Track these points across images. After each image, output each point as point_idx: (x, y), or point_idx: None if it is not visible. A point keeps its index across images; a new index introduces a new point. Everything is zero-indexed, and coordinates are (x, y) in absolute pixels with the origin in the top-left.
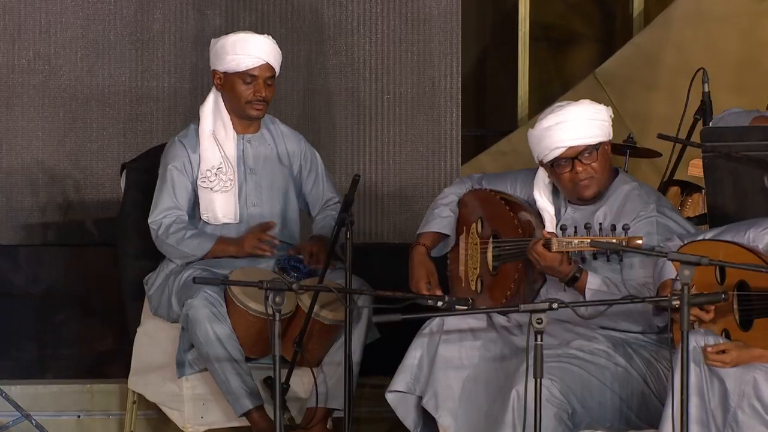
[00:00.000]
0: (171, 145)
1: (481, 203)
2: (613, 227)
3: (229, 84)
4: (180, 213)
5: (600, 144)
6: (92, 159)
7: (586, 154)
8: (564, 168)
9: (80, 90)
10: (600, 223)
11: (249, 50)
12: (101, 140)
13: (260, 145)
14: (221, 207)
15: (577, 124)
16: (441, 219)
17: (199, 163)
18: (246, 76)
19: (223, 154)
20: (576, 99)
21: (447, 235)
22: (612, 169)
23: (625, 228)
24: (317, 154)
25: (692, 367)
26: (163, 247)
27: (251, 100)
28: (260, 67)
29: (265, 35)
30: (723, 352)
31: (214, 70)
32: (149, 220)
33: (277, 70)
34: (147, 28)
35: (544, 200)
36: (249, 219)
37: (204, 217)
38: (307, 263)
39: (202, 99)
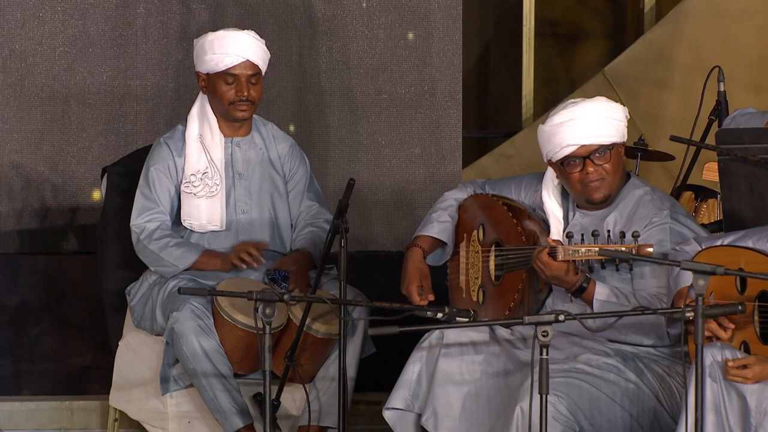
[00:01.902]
0: (156, 146)
1: (483, 209)
2: (622, 234)
3: (212, 86)
4: (165, 218)
5: (614, 145)
6: (71, 162)
7: (598, 154)
8: (574, 167)
9: (58, 89)
10: (608, 230)
11: (227, 48)
12: (81, 142)
13: (250, 149)
14: (206, 213)
15: (591, 122)
16: (438, 224)
17: (184, 167)
18: (227, 75)
19: (209, 158)
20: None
21: (444, 243)
22: (624, 172)
23: (635, 235)
24: (306, 158)
25: (708, 382)
26: (143, 253)
27: (234, 101)
28: (240, 65)
29: (247, 31)
30: (744, 367)
31: (197, 73)
32: (131, 223)
33: (263, 67)
34: (129, 23)
35: (552, 202)
36: (238, 226)
37: (186, 223)
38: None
39: (188, 98)
